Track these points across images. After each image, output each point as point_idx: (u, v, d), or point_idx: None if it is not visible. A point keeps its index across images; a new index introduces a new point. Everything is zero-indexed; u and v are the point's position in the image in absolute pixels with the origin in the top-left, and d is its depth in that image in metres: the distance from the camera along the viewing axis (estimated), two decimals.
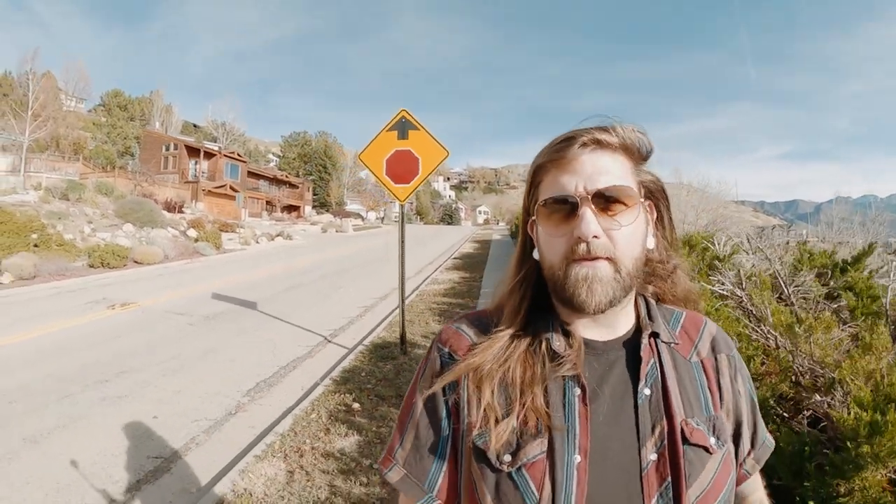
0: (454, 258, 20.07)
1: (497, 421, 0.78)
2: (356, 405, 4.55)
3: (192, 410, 4.79)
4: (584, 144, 0.78)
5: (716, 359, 0.88)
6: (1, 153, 30.21)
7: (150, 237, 20.56)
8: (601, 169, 0.78)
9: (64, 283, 12.73)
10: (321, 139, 68.62)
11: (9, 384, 5.31)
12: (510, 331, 0.85)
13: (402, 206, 6.04)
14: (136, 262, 16.84)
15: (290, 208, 52.99)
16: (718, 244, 4.50)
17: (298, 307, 9.78)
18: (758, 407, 0.92)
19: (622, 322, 0.85)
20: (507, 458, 0.77)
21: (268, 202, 49.08)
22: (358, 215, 60.91)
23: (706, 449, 0.78)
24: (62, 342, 6.97)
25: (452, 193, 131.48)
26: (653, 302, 0.90)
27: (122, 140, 45.20)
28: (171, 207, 29.22)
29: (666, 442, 0.77)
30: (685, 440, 0.77)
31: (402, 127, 5.78)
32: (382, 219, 70.26)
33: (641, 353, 0.81)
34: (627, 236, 0.78)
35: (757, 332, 2.74)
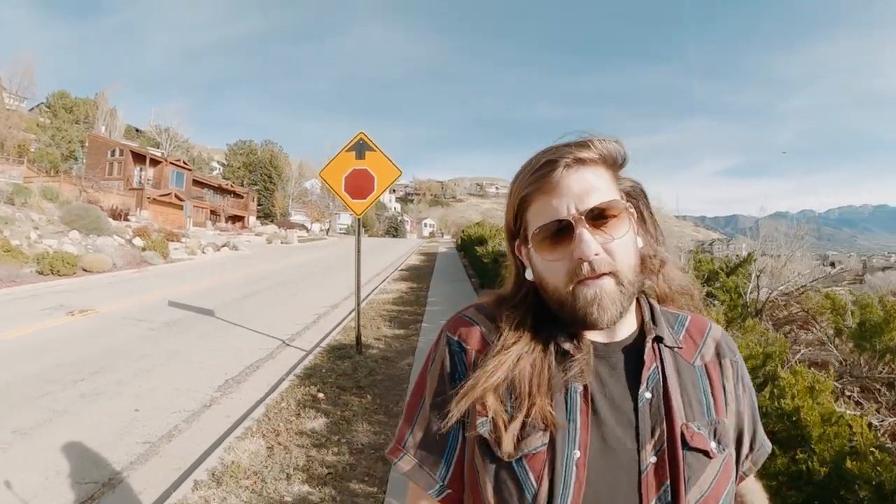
0: (401, 270, 20.72)
1: (505, 427, 0.80)
2: (321, 395, 5.19)
3: (169, 404, 5.28)
4: (568, 166, 0.80)
5: (720, 363, 0.89)
6: None
7: (96, 245, 20.43)
8: (588, 187, 0.80)
9: (15, 289, 12.81)
10: (267, 148, 68.14)
11: None
12: (517, 346, 0.85)
13: (358, 219, 6.73)
14: (84, 269, 16.79)
15: (235, 218, 52.48)
16: None
17: (255, 314, 10.24)
18: (758, 411, 0.94)
19: (624, 325, 0.86)
20: (509, 448, 0.79)
21: (212, 212, 48.51)
22: (303, 226, 60.74)
23: (706, 453, 0.79)
24: (30, 346, 7.26)
25: (398, 206, 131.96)
26: (656, 305, 0.92)
27: (67, 143, 43.80)
28: (116, 215, 28.76)
29: (665, 446, 0.78)
30: (685, 444, 0.78)
31: (360, 148, 6.48)
32: (328, 230, 70.15)
33: (644, 358, 0.83)
34: (623, 247, 0.80)
35: None
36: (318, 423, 4.57)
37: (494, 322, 0.88)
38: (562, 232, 0.79)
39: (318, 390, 5.31)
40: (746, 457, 0.92)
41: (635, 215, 0.87)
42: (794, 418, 1.86)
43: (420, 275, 18.57)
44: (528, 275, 0.87)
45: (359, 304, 6.84)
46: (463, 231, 31.29)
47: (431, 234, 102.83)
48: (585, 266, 0.77)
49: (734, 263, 4.98)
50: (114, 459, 4.09)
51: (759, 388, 2.07)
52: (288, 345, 7.85)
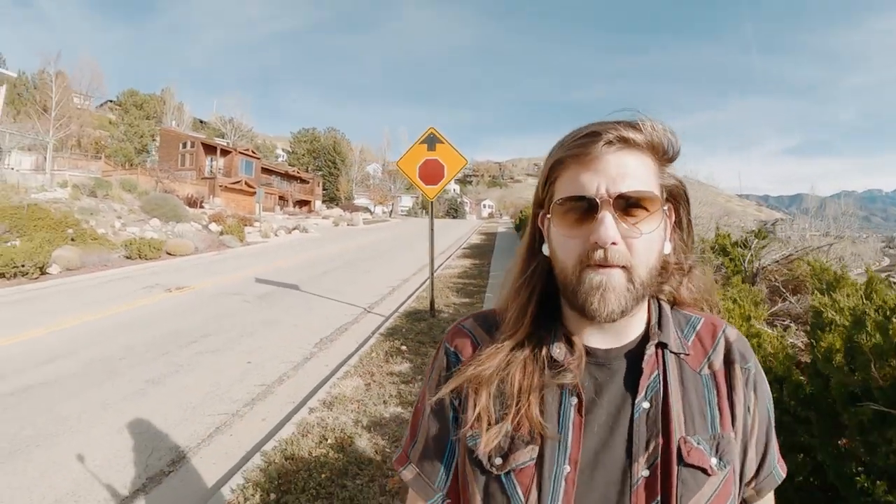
0: (463, 248, 21.75)
1: (490, 425, 0.79)
2: (403, 347, 6.20)
3: (275, 358, 6.37)
4: (610, 143, 0.74)
5: (729, 371, 0.83)
6: (26, 152, 31.90)
7: (175, 231, 22.02)
8: (625, 170, 0.74)
9: (108, 272, 14.04)
10: (330, 135, 70.41)
11: (114, 347, 6.67)
12: (512, 340, 0.83)
13: (431, 203, 7.66)
14: (168, 253, 18.13)
15: (302, 203, 54.65)
16: None
17: (335, 288, 11.41)
18: (773, 428, 0.86)
19: (631, 329, 0.82)
20: (498, 461, 0.78)
21: (280, 197, 50.72)
22: (366, 209, 62.69)
23: (704, 470, 0.75)
24: (141, 317, 8.47)
25: (457, 187, 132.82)
26: (667, 307, 0.86)
27: (139, 138, 46.71)
28: (192, 203, 30.74)
29: (659, 460, 0.75)
30: (681, 460, 0.74)
31: (431, 141, 7.40)
32: (390, 212, 72.00)
33: (644, 365, 0.79)
34: (646, 245, 0.74)
35: None
36: (403, 367, 5.58)
37: (491, 333, 0.87)
38: (586, 210, 0.74)
39: (401, 344, 6.33)
40: (750, 482, 0.84)
41: (672, 217, 0.82)
42: None
43: (481, 252, 19.58)
44: (545, 249, 0.83)
45: (432, 274, 7.88)
46: (521, 212, 31.93)
47: (490, 215, 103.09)
48: (599, 252, 0.72)
49: (741, 238, 5.61)
50: (236, 398, 5.12)
51: None
52: (369, 311, 8.95)
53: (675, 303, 0.89)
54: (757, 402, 0.83)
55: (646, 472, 0.75)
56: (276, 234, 28.99)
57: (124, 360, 6.18)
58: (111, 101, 53.52)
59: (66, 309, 8.84)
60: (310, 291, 10.78)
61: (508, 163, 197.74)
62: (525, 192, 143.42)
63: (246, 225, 28.98)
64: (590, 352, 0.81)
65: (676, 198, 0.83)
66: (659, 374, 0.79)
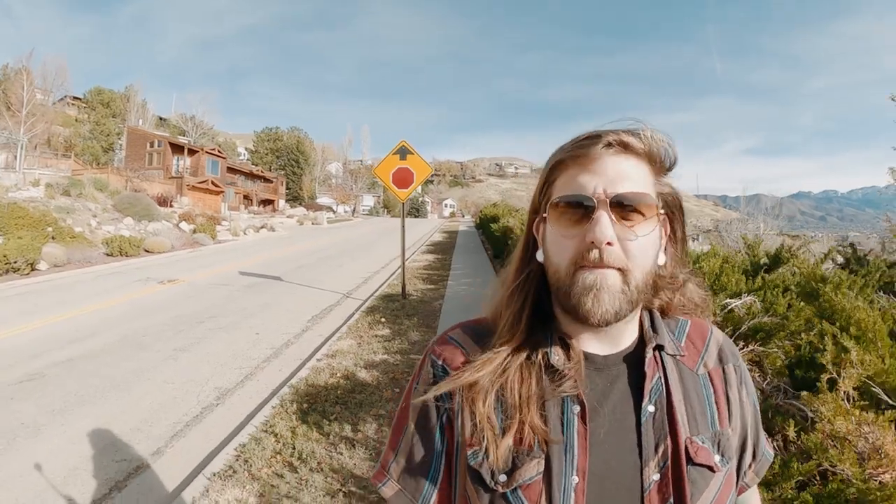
0: (427, 245, 23.35)
1: (494, 438, 0.77)
2: (383, 319, 7.80)
3: (277, 331, 7.82)
4: (609, 145, 0.75)
5: (723, 370, 0.86)
6: None
7: (148, 230, 22.81)
8: (623, 174, 0.75)
9: (95, 268, 14.83)
10: (293, 134, 71.07)
11: (134, 327, 7.87)
12: (508, 345, 0.82)
13: (402, 203, 9.27)
14: (146, 251, 19.13)
15: (266, 202, 55.38)
16: None
17: (315, 279, 12.86)
18: (760, 418, 0.92)
19: (626, 335, 0.82)
20: (503, 478, 0.76)
21: (245, 196, 51.43)
22: (329, 208, 63.64)
23: (710, 468, 0.77)
24: (148, 304, 9.70)
25: (420, 187, 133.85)
26: (657, 313, 0.87)
27: (105, 136, 46.86)
28: (162, 202, 31.39)
29: (670, 462, 0.76)
30: (689, 460, 0.76)
31: (403, 152, 8.99)
32: (353, 211, 73.04)
33: (646, 368, 0.79)
34: (642, 248, 0.75)
35: None
36: (384, 331, 7.17)
37: (481, 343, 0.85)
38: (582, 210, 0.74)
39: (381, 317, 7.92)
40: (749, 466, 0.89)
41: (667, 227, 0.82)
42: None
43: (443, 248, 21.27)
44: (539, 256, 0.82)
45: (404, 262, 9.55)
46: (481, 211, 33.69)
47: (452, 215, 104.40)
48: (594, 252, 0.72)
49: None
50: (254, 357, 6.59)
51: None
52: (348, 297, 10.49)
53: (663, 312, 0.88)
54: (748, 396, 0.87)
55: (656, 476, 0.75)
56: (245, 233, 29.99)
57: (147, 336, 7.44)
58: (74, 97, 52.97)
59: (75, 300, 10.00)
60: (293, 281, 12.23)
61: (470, 162, 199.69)
62: (486, 191, 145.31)
63: (216, 223, 29.90)
64: (588, 357, 0.80)
65: (671, 208, 0.82)
66: (660, 377, 0.80)
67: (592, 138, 0.76)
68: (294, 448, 3.81)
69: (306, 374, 5.49)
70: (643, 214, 0.75)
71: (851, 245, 4.96)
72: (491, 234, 17.91)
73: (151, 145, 42.76)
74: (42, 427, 4.48)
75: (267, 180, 58.41)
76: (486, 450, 0.77)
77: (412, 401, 0.88)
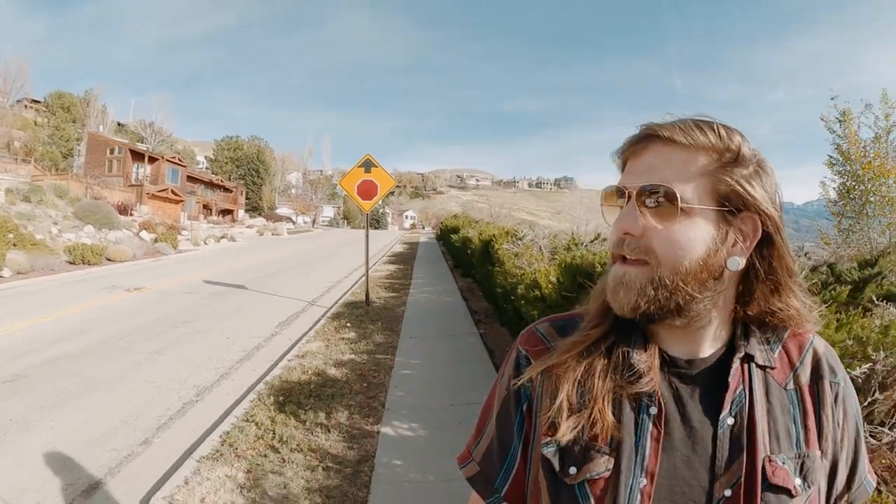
0: (388, 255, 23.81)
1: (569, 413, 0.77)
2: (349, 324, 8.26)
3: (248, 335, 8.19)
4: (646, 137, 0.77)
5: (817, 386, 0.81)
6: None
7: (109, 238, 22.55)
8: (655, 165, 0.75)
9: (59, 276, 14.83)
10: (253, 143, 70.66)
11: (107, 332, 8.10)
12: (592, 335, 0.82)
13: (367, 214, 9.77)
14: (108, 259, 18.87)
15: (225, 212, 54.94)
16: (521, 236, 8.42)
17: (279, 287, 13.19)
18: (863, 442, 0.85)
19: (710, 341, 0.80)
20: (573, 470, 0.76)
21: (204, 206, 50.97)
22: (289, 219, 63.52)
23: (788, 491, 0.73)
24: (118, 310, 9.90)
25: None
26: (753, 323, 0.82)
27: (65, 142, 45.99)
28: (122, 210, 31.04)
29: (743, 480, 0.73)
30: (765, 480, 0.73)
31: (367, 165, 9.52)
32: (313, 222, 72.91)
33: (730, 378, 0.77)
34: (668, 242, 0.73)
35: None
36: (350, 335, 7.65)
37: (564, 337, 0.85)
38: (617, 202, 0.79)
39: (346, 322, 8.38)
40: (842, 495, 0.83)
41: (749, 230, 0.76)
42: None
43: (405, 259, 21.80)
44: None
45: (367, 270, 10.06)
46: (442, 223, 34.33)
47: (412, 226, 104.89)
48: (621, 244, 0.76)
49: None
50: (228, 359, 6.95)
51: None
52: (313, 304, 10.89)
53: (760, 320, 0.82)
54: (846, 418, 0.82)
55: (728, 493, 0.73)
56: (205, 243, 29.94)
57: (122, 340, 7.69)
58: (32, 100, 51.69)
59: (45, 305, 10.12)
60: (258, 290, 12.56)
61: (431, 174, 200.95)
62: (448, 203, 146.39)
63: (176, 233, 29.78)
64: (672, 360, 0.79)
65: (748, 207, 0.75)
66: (744, 389, 0.77)
67: (640, 133, 0.78)
68: (274, 433, 4.26)
69: (279, 373, 5.91)
70: (669, 205, 0.73)
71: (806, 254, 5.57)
72: (451, 245, 18.53)
73: (112, 152, 42.19)
74: (32, 422, 4.79)
75: (227, 190, 57.99)
76: (558, 427, 0.78)
77: (498, 388, 0.90)
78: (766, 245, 0.77)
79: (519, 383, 0.84)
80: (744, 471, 0.73)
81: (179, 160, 47.83)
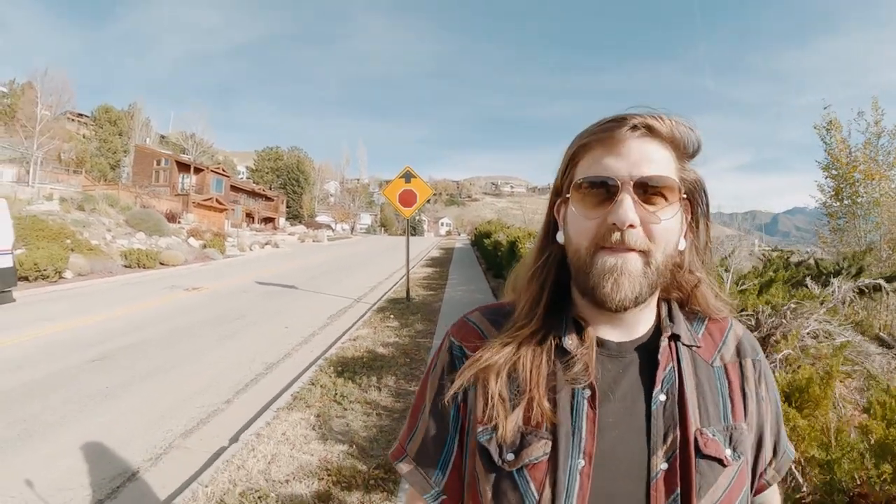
0: (426, 260, 24.97)
1: (505, 412, 0.79)
2: (391, 315, 9.33)
3: (303, 326, 9.26)
4: (635, 128, 0.76)
5: (741, 364, 0.86)
6: (6, 165, 33.32)
7: (159, 244, 24.08)
8: (648, 156, 0.76)
9: (117, 278, 16.08)
10: (293, 154, 73.08)
11: (178, 322, 9.33)
12: (525, 328, 0.84)
13: (407, 220, 10.88)
14: (161, 263, 20.35)
15: (267, 220, 56.97)
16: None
17: (327, 287, 14.38)
18: (781, 414, 0.92)
19: (642, 323, 0.83)
20: (510, 457, 0.78)
21: (247, 214, 52.99)
22: (328, 226, 65.30)
23: (720, 461, 0.77)
24: (182, 306, 11.12)
25: None
26: (675, 303, 0.88)
27: (112, 153, 48.53)
28: (170, 218, 32.83)
29: (678, 452, 0.76)
30: (698, 451, 0.76)
31: (407, 176, 10.60)
32: (352, 229, 74.72)
33: (659, 357, 0.80)
34: (665, 232, 0.76)
35: None
36: (394, 323, 8.71)
37: (499, 325, 0.87)
38: (605, 192, 0.76)
39: (390, 313, 9.45)
40: (769, 464, 0.89)
41: (688, 212, 0.82)
42: None
43: (441, 263, 22.95)
44: (560, 237, 0.84)
45: (408, 269, 11.17)
46: (476, 228, 35.35)
47: (448, 233, 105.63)
48: (616, 234, 0.74)
49: None
50: (287, 343, 8.05)
51: None
52: (359, 301, 12.01)
53: (682, 303, 0.89)
54: (768, 391, 0.88)
55: (664, 465, 0.76)
56: (251, 249, 31.53)
57: (192, 328, 8.88)
58: (78, 114, 54.27)
59: (114, 301, 11.44)
60: (306, 289, 13.75)
61: (466, 181, 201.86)
62: (482, 210, 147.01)
63: (222, 240, 31.39)
64: (602, 344, 0.81)
65: (694, 194, 0.82)
66: (674, 366, 0.80)
67: (618, 121, 0.77)
68: (336, 391, 5.30)
69: (335, 352, 6.97)
70: (666, 198, 0.75)
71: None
72: (484, 249, 19.58)
73: (158, 163, 44.46)
74: (129, 387, 5.88)
75: (268, 199, 60.08)
76: (496, 425, 0.78)
77: (429, 381, 0.91)
78: (693, 227, 0.85)
79: (458, 384, 0.83)
80: (678, 444, 0.76)
81: (223, 170, 49.94)
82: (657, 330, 0.84)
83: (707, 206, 0.85)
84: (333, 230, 65.87)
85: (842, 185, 8.22)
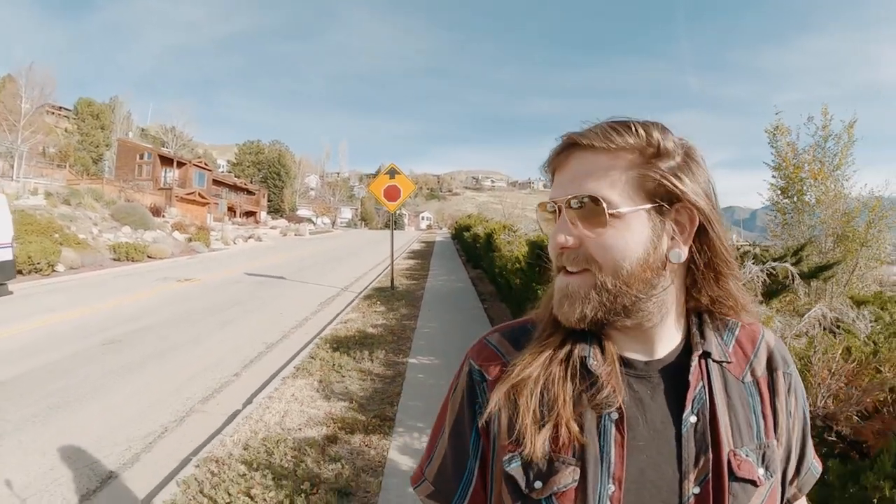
0: (407, 252, 25.81)
1: (534, 429, 0.76)
2: (378, 301, 10.15)
3: (296, 312, 10.00)
4: (566, 146, 0.77)
5: (772, 377, 0.83)
6: None
7: (144, 238, 24.14)
8: (581, 173, 0.75)
9: (109, 271, 16.36)
10: (274, 148, 73.18)
11: (176, 311, 9.96)
12: (547, 345, 0.81)
13: (392, 214, 11.67)
14: (149, 257, 20.68)
15: (248, 213, 57.14)
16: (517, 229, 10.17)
17: (315, 278, 15.10)
18: (809, 429, 0.89)
19: (665, 339, 0.80)
20: (539, 485, 0.75)
21: (229, 208, 53.18)
22: (309, 220, 65.67)
23: (753, 482, 0.75)
24: (178, 296, 11.69)
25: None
26: (706, 316, 0.84)
27: (94, 147, 48.36)
28: (154, 212, 33.08)
29: (710, 475, 0.74)
30: (731, 474, 0.74)
31: (392, 172, 11.41)
32: (333, 223, 75.16)
33: (689, 377, 0.77)
34: (602, 247, 0.73)
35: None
36: (381, 308, 9.53)
37: (520, 347, 0.84)
38: (554, 216, 0.78)
39: (376, 300, 10.26)
40: (791, 481, 0.87)
41: (686, 221, 0.76)
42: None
43: (422, 255, 23.86)
44: None
45: (393, 259, 11.98)
46: (456, 222, 36.21)
47: (428, 227, 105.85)
48: (562, 256, 0.76)
49: None
50: (283, 326, 8.80)
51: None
52: (346, 290, 12.80)
53: (711, 313, 0.84)
54: (797, 405, 0.85)
55: (696, 490, 0.74)
56: (234, 242, 31.90)
57: (191, 316, 9.53)
58: (59, 107, 53.67)
59: (111, 292, 11.95)
60: (296, 280, 14.49)
61: (447, 175, 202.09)
62: (463, 204, 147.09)
63: (207, 233, 31.79)
64: (629, 363, 0.79)
65: (666, 199, 0.75)
66: (704, 386, 0.78)
67: (560, 144, 0.77)
68: (334, 363, 6.09)
69: (329, 332, 7.75)
70: (596, 212, 0.73)
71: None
72: (464, 241, 20.48)
73: (141, 157, 44.55)
74: (142, 366, 6.58)
75: (250, 192, 60.25)
76: (524, 443, 0.76)
77: (450, 404, 0.89)
78: (703, 235, 0.77)
79: (492, 403, 0.79)
80: (710, 467, 0.74)
81: (205, 164, 50.14)
82: (686, 346, 0.81)
83: (707, 213, 0.77)
84: (314, 224, 66.25)
85: (788, 185, 9.08)
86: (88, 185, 32.21)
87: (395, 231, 12.43)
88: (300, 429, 4.37)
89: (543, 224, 0.82)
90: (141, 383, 5.83)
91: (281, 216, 62.88)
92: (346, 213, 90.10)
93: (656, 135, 0.74)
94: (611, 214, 0.72)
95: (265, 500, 3.30)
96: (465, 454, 0.84)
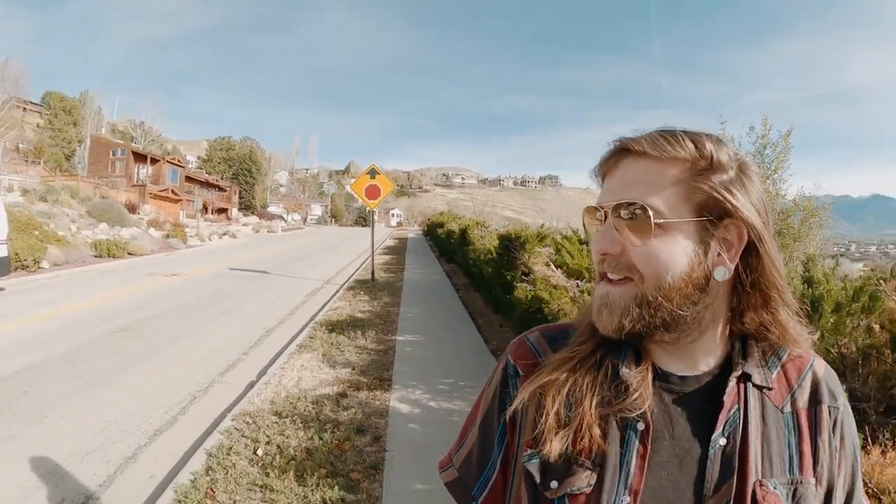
0: (382, 248, 26.75)
1: (556, 427, 0.75)
2: (361, 292, 11.13)
3: (286, 302, 10.87)
4: (617, 152, 0.76)
5: (815, 410, 0.78)
6: None
7: (121, 234, 24.24)
8: (629, 180, 0.74)
9: (93, 267, 16.63)
10: (245, 144, 73.46)
11: (172, 302, 10.66)
12: (582, 348, 0.80)
13: (371, 211, 12.69)
14: (130, 253, 20.81)
15: (220, 210, 57.30)
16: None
17: (297, 272, 15.97)
18: (859, 468, 0.83)
19: (705, 356, 0.77)
20: (554, 484, 0.75)
21: (203, 205, 53.31)
22: (280, 217, 65.93)
23: None
24: (169, 289, 12.33)
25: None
26: (751, 339, 0.80)
27: (67, 143, 47.93)
28: (129, 209, 33.22)
29: (732, 502, 0.71)
30: None
31: (372, 172, 12.41)
32: (304, 220, 75.45)
33: (724, 397, 0.74)
34: (647, 257, 0.72)
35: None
36: (365, 297, 10.54)
37: (554, 349, 0.84)
38: (599, 222, 0.76)
39: (359, 290, 11.24)
40: None
41: (734, 238, 0.73)
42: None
43: (397, 251, 24.94)
44: None
45: (373, 254, 13.04)
46: (429, 219, 37.26)
47: (399, 224, 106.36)
48: (601, 264, 0.75)
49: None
50: (276, 315, 9.67)
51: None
52: (328, 283, 13.74)
53: (758, 336, 0.79)
54: (843, 445, 0.78)
55: None
56: (210, 239, 32.35)
57: (188, 306, 10.27)
58: (29, 102, 52.63)
59: (102, 286, 12.44)
60: (280, 274, 15.35)
61: (417, 172, 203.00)
62: (433, 201, 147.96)
63: (183, 230, 32.16)
64: (664, 376, 0.77)
65: (718, 213, 0.72)
66: (739, 409, 0.74)
67: (611, 149, 0.77)
68: (332, 341, 7.08)
69: (322, 317, 8.70)
70: (641, 220, 0.71)
71: None
72: (438, 238, 21.60)
73: (114, 153, 44.55)
74: (154, 352, 7.41)
75: (221, 189, 60.37)
76: (543, 441, 0.75)
77: (484, 396, 0.89)
78: (752, 254, 0.74)
79: (518, 401, 0.80)
80: (733, 494, 0.71)
81: (178, 161, 50.26)
82: (727, 365, 0.77)
83: (759, 231, 0.72)
84: (286, 221, 66.58)
85: None
86: (64, 182, 31.91)
87: (365, 228, 13.46)
88: (315, 389, 5.36)
89: (591, 229, 0.80)
90: (158, 364, 6.55)
91: (252, 213, 63.06)
92: (317, 210, 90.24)
93: (709, 146, 0.72)
94: (657, 224, 0.70)
95: (297, 437, 4.28)
96: (491, 447, 0.85)
